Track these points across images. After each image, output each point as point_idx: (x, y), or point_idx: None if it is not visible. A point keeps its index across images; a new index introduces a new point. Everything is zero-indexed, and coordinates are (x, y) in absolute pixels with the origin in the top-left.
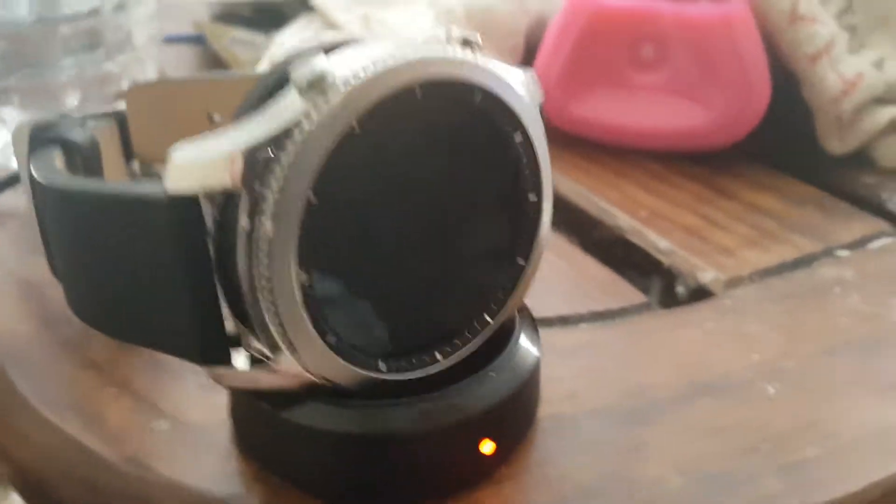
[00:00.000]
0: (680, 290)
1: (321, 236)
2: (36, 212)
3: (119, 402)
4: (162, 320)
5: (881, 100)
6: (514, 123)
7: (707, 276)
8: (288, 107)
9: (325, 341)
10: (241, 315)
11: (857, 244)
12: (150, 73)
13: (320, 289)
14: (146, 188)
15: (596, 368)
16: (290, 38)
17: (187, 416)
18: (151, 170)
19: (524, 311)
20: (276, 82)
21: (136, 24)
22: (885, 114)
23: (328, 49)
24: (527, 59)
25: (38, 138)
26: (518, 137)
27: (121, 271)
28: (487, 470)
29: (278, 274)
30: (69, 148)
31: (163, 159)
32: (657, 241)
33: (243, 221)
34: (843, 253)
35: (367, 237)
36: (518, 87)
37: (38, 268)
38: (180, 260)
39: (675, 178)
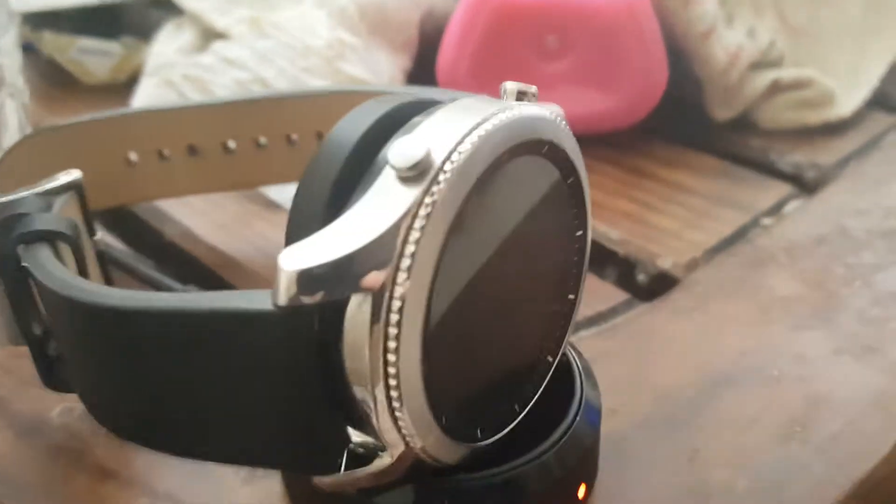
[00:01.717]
0: (640, 277)
1: (441, 325)
2: (21, 324)
3: None
4: (261, 436)
5: (757, 65)
6: (570, 169)
7: (667, 262)
8: (394, 196)
9: (440, 425)
10: (350, 416)
11: (775, 210)
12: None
13: (438, 374)
14: (242, 301)
15: (620, 380)
16: (166, 47)
17: None
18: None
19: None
20: (350, 162)
21: (4, 55)
22: (764, 79)
23: (395, 118)
24: (420, 50)
25: (10, 234)
26: (570, 179)
27: (205, 388)
28: None
29: (404, 371)
30: (55, 242)
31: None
32: (608, 231)
33: (361, 324)
34: (767, 221)
35: (474, 311)
36: (565, 126)
37: None
38: (291, 374)
39: (595, 164)
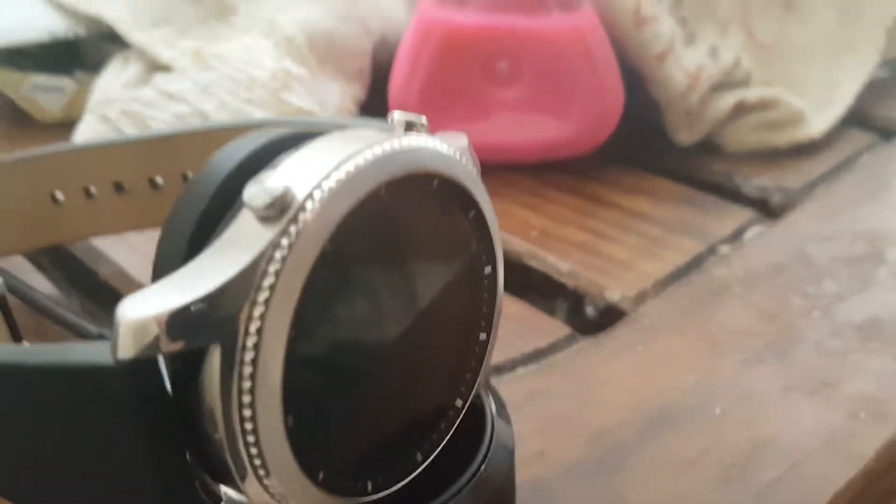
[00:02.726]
0: (589, 310)
1: (305, 374)
2: None
3: None
4: (126, 496)
5: (720, 86)
6: (468, 202)
7: (615, 294)
8: (248, 236)
9: (315, 482)
10: (212, 470)
11: (734, 237)
12: None
13: (305, 427)
14: (87, 354)
15: (553, 420)
16: (110, 82)
17: None
18: (15, 283)
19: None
20: (213, 202)
21: None
22: (727, 100)
23: (266, 153)
24: (374, 78)
25: None
26: (472, 214)
27: (58, 449)
28: None
29: (263, 426)
30: None
31: (4, 254)
32: (557, 264)
33: (212, 375)
34: (725, 248)
35: (350, 358)
36: (467, 162)
37: None
38: (140, 432)
39: (549, 193)
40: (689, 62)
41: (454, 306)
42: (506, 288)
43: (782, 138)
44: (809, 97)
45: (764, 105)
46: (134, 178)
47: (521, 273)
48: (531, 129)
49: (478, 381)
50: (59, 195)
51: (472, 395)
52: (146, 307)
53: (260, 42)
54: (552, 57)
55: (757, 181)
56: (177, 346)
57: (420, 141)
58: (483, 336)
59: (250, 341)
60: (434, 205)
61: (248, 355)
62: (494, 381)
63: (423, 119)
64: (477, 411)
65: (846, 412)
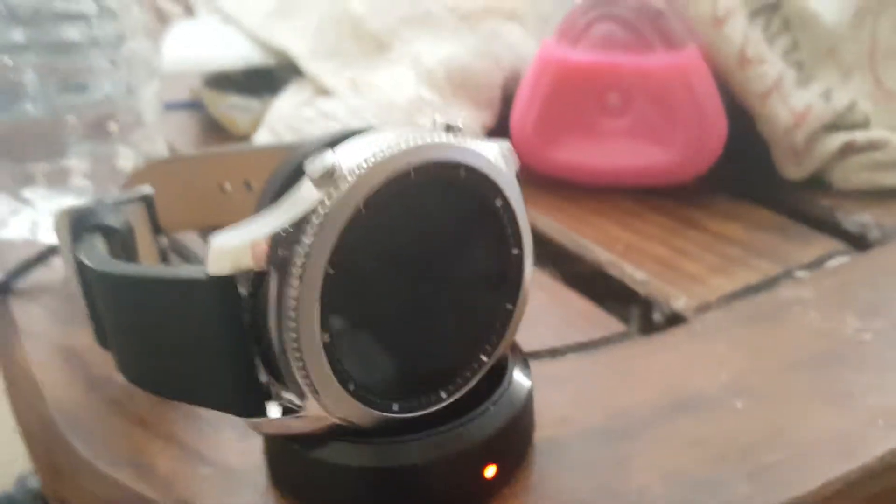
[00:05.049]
0: (657, 316)
1: (339, 302)
2: (83, 290)
3: (166, 453)
4: (206, 381)
5: (832, 127)
6: (495, 191)
7: (679, 302)
8: (304, 197)
9: (345, 389)
10: (273, 372)
11: (815, 264)
12: (160, 145)
13: (340, 345)
14: (189, 272)
15: (584, 394)
16: (284, 104)
17: (227, 462)
18: (179, 245)
19: (516, 348)
20: (292, 172)
21: (144, 104)
22: (836, 140)
23: (336, 141)
24: (504, 109)
25: (78, 224)
26: (499, 202)
27: (169, 341)
28: (491, 491)
29: (304, 336)
30: (109, 233)
31: (183, 229)
32: (633, 273)
33: (273, 295)
34: (802, 273)
35: (379, 299)
36: (496, 158)
37: (76, 337)
38: (222, 330)
39: (646, 214)
40: (797, 102)
41: (480, 276)
42: (585, 292)
43: (891, 179)
44: None
45: (872, 146)
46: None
47: (602, 280)
48: (637, 156)
49: (502, 342)
50: (227, 186)
51: (498, 353)
52: (228, 238)
53: (405, 73)
54: (656, 92)
55: (858, 217)
56: (248, 267)
57: (450, 139)
58: (510, 306)
59: (297, 270)
60: (461, 190)
61: (295, 281)
62: (545, 361)
63: (460, 123)
64: (502, 369)
65: (864, 419)
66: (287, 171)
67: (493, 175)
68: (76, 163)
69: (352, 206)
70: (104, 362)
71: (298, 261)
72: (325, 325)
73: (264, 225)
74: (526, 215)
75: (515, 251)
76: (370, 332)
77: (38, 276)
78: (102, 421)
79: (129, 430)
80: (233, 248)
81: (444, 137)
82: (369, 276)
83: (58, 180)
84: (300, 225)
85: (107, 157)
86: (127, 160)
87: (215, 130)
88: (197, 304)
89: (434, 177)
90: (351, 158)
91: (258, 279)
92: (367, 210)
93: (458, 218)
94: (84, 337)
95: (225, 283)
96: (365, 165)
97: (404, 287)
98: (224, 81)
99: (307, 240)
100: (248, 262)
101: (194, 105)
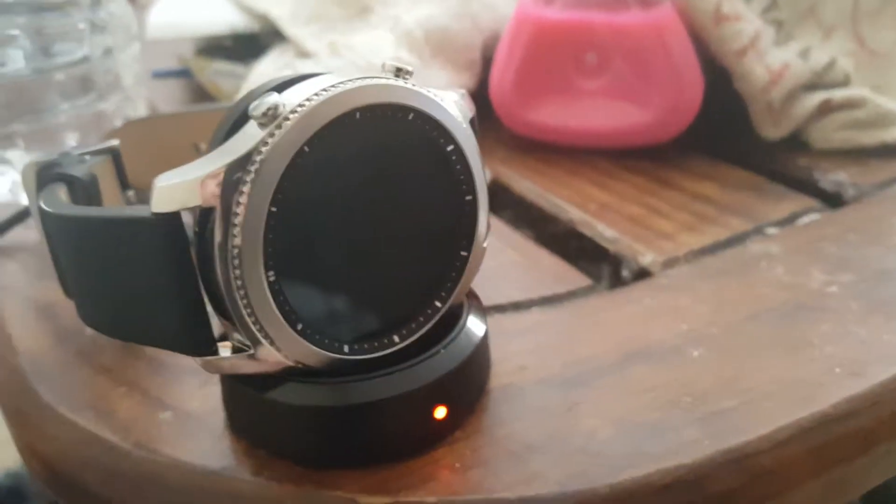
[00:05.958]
0: (625, 273)
1: (283, 241)
2: (46, 239)
3: (128, 399)
4: (158, 321)
5: (809, 86)
6: (445, 136)
7: (646, 258)
8: (248, 136)
9: (294, 330)
10: (223, 312)
11: (787, 221)
12: (140, 109)
13: (287, 285)
14: (135, 211)
15: (543, 345)
16: (266, 68)
17: (187, 407)
18: (145, 197)
19: (473, 296)
20: (240, 116)
21: (123, 67)
22: (814, 99)
23: (284, 85)
24: (484, 71)
25: (44, 175)
26: (450, 147)
27: (121, 282)
28: (443, 433)
29: (249, 275)
30: (71, 182)
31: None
32: (604, 231)
33: (217, 233)
34: (772, 230)
35: (326, 240)
36: (449, 105)
37: (49, 291)
38: (168, 269)
39: (621, 174)
40: (773, 60)
41: (432, 221)
42: (558, 252)
43: (869, 138)
44: None
45: (850, 104)
46: None
47: (575, 240)
48: (613, 116)
49: (457, 289)
50: (202, 145)
51: (452, 300)
52: (171, 177)
53: (385, 35)
54: (631, 50)
55: (835, 176)
56: (192, 205)
57: (398, 82)
58: (464, 253)
59: (240, 209)
60: (410, 133)
61: (239, 219)
62: (509, 315)
63: (410, 68)
64: (457, 316)
65: (822, 368)
66: (236, 114)
67: (444, 120)
68: (56, 124)
69: (295, 145)
70: (75, 315)
71: (241, 199)
72: (269, 265)
73: (208, 163)
74: (481, 162)
75: (468, 198)
76: (317, 274)
77: (17, 234)
78: (69, 370)
79: (94, 378)
80: (175, 185)
81: (392, 80)
82: (314, 217)
83: (38, 141)
84: (242, 163)
85: (87, 119)
86: (106, 122)
87: (203, 98)
88: (143, 243)
89: (380, 119)
90: (295, 99)
91: (204, 218)
92: (311, 149)
93: (406, 162)
94: (56, 291)
95: (169, 221)
96: (307, 104)
97: (352, 230)
98: (213, 49)
99: (249, 178)
100: (191, 199)
101: (183, 73)
